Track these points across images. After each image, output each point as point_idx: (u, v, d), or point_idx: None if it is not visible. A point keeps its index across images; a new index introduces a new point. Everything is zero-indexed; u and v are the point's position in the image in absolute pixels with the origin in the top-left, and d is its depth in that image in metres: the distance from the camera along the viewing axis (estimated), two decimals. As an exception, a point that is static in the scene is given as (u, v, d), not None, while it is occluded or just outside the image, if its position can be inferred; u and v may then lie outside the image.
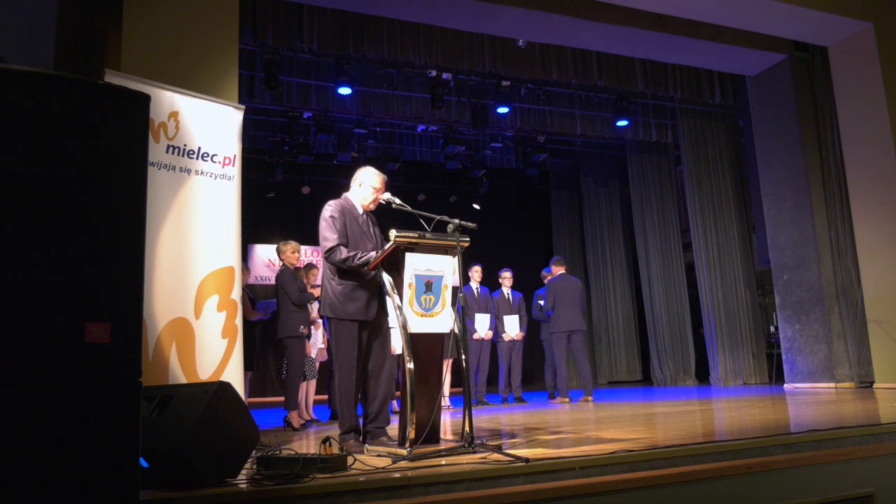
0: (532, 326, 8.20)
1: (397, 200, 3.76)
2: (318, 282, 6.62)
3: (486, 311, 7.60)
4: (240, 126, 4.26)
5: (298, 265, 6.15)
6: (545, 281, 8.20)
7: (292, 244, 5.98)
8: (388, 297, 3.54)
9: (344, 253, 3.59)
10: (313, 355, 6.20)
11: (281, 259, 5.95)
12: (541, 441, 3.79)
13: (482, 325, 7.53)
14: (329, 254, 3.64)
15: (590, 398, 7.39)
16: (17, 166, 1.97)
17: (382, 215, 3.98)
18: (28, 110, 2.01)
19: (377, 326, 3.70)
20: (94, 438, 2.00)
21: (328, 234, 3.65)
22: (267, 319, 6.17)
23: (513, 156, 11.27)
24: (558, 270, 7.83)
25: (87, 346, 2.02)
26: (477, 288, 7.66)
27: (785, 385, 8.32)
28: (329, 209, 3.72)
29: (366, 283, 3.64)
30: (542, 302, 7.96)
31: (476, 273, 7.64)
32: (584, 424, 4.83)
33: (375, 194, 3.77)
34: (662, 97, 9.69)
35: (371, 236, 3.75)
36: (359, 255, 3.57)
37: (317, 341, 6.27)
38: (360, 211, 3.80)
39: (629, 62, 8.70)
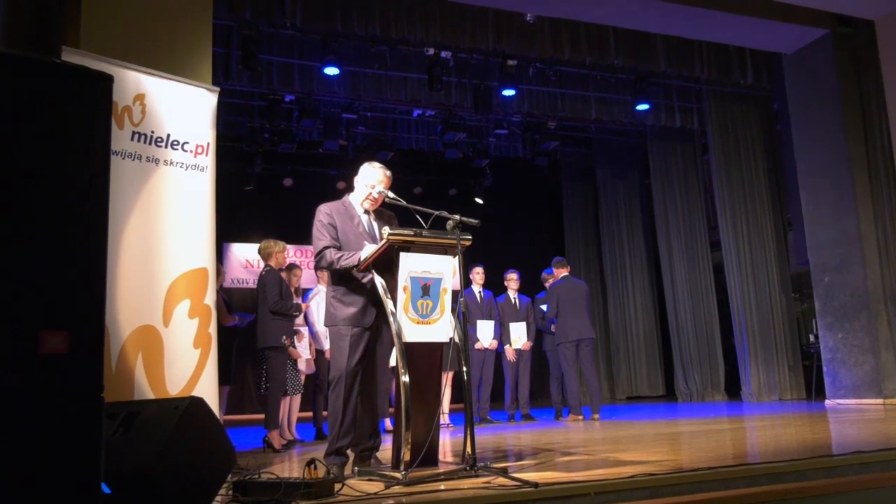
0: (536, 335, 8.18)
1: (390, 194, 3.77)
2: (302, 284, 6.64)
3: (489, 318, 7.60)
4: (214, 110, 4.26)
5: (285, 267, 6.17)
6: (545, 284, 8.21)
7: (282, 244, 6.01)
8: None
9: (329, 256, 3.62)
10: (302, 367, 6.21)
11: (268, 261, 5.95)
12: (551, 463, 3.79)
13: (485, 333, 7.52)
14: (316, 260, 3.72)
15: (596, 416, 7.40)
16: (-36, 155, 1.97)
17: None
18: (-24, 92, 2.01)
19: (376, 335, 3.71)
20: (49, 461, 1.99)
21: (317, 239, 3.72)
22: (242, 327, 6.17)
23: (520, 144, 11.26)
24: (561, 272, 7.81)
25: (41, 357, 2.02)
26: (479, 292, 7.66)
27: (826, 401, 8.32)
28: (319, 213, 3.78)
29: (361, 287, 3.66)
30: (543, 307, 7.95)
31: (478, 275, 7.64)
32: (600, 445, 4.83)
33: (369, 190, 3.78)
34: (687, 78, 9.69)
35: (374, 237, 3.75)
36: (345, 256, 3.59)
37: (303, 352, 6.27)
38: (360, 211, 3.82)
39: (650, 39, 8.69)
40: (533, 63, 9.20)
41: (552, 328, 7.90)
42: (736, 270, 9.87)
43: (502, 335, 7.72)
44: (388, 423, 6.48)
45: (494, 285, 8.03)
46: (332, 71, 8.36)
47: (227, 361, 5.79)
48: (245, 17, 7.19)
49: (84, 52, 3.74)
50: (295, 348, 6.11)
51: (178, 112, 4.05)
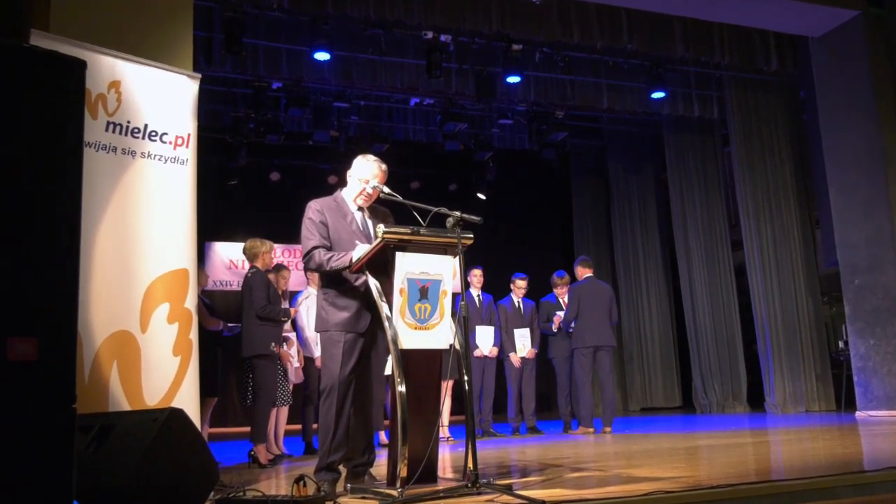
0: (540, 341, 8.16)
1: (386, 189, 3.77)
2: (290, 287, 6.64)
3: (489, 324, 7.60)
4: (195, 99, 4.26)
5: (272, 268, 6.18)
6: (554, 286, 8.19)
7: (269, 243, 6.02)
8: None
9: (318, 257, 3.63)
10: (290, 376, 6.21)
11: (254, 262, 5.95)
12: (559, 480, 3.80)
13: (485, 339, 7.52)
14: (305, 261, 3.73)
15: (608, 429, 7.40)
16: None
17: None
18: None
19: (371, 342, 3.72)
20: (16, 478, 1.99)
21: (306, 238, 3.72)
22: (231, 336, 6.17)
23: (525, 135, 11.26)
24: (585, 273, 7.82)
25: (9, 365, 2.02)
26: (478, 295, 7.66)
27: (856, 413, 8.33)
28: (309, 209, 3.78)
29: (354, 290, 3.67)
30: (560, 313, 7.95)
31: (476, 278, 7.63)
32: (612, 460, 4.84)
33: (362, 185, 3.78)
34: (707, 63, 9.68)
35: (368, 236, 3.76)
36: (336, 257, 3.59)
37: (292, 360, 6.27)
38: (353, 208, 3.83)
39: (666, 21, 8.70)
40: (540, 47, 9.19)
41: (552, 328, 7.88)
42: (759, 272, 9.87)
43: (504, 342, 7.72)
44: (383, 437, 6.49)
45: (496, 288, 8.02)
46: (322, 56, 8.35)
47: (213, 371, 5.80)
48: (229, -2, 7.20)
49: (54, 36, 3.75)
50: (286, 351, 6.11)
51: (156, 101, 4.05)
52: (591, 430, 7.47)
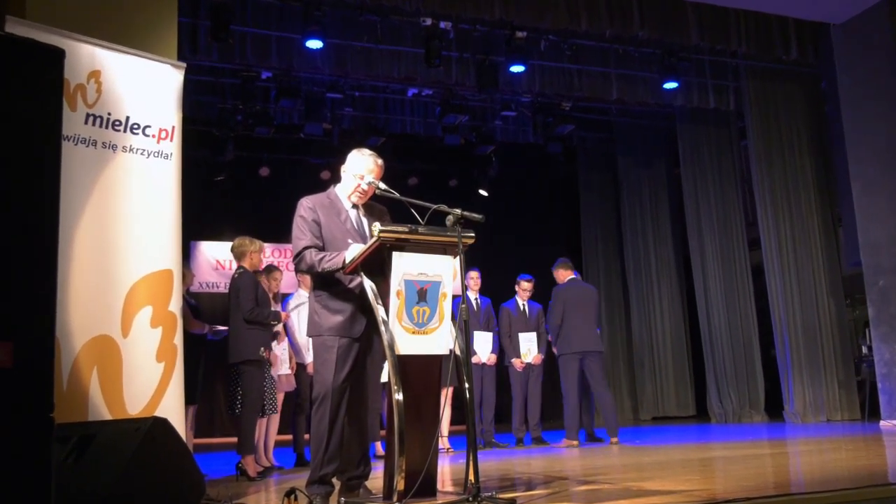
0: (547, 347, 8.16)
1: (382, 185, 3.77)
2: (282, 289, 6.64)
3: (486, 329, 7.59)
4: (180, 89, 4.27)
5: (261, 269, 6.18)
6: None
7: (258, 243, 6.02)
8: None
9: (309, 258, 3.62)
10: (275, 374, 6.21)
11: (241, 262, 5.95)
12: (565, 493, 3.81)
13: (483, 346, 7.52)
14: (296, 262, 3.72)
15: (615, 439, 7.40)
16: None
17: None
18: None
19: (367, 347, 3.72)
20: (-8, 490, 2.00)
21: (297, 238, 3.72)
22: (217, 340, 6.17)
23: (530, 128, 11.26)
24: (566, 275, 7.77)
25: (-18, 371, 2.02)
26: (476, 299, 7.65)
27: (881, 422, 8.33)
28: (300, 207, 3.78)
29: (348, 292, 3.67)
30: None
31: (473, 281, 7.63)
32: (622, 472, 4.84)
33: (357, 181, 3.78)
34: (722, 52, 9.69)
35: (363, 235, 3.76)
36: (328, 258, 3.59)
37: (281, 366, 6.27)
38: (347, 205, 3.84)
39: (679, 7, 8.70)
40: (545, 35, 9.19)
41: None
42: (778, 273, 9.87)
43: (506, 348, 7.71)
44: (379, 448, 6.48)
45: (500, 289, 8.00)
46: (314, 44, 8.34)
47: (194, 377, 5.79)
48: (215, -17, 7.20)
49: (31, 23, 3.75)
50: (272, 351, 6.09)
51: (138, 91, 4.06)
52: (576, 443, 7.44)
